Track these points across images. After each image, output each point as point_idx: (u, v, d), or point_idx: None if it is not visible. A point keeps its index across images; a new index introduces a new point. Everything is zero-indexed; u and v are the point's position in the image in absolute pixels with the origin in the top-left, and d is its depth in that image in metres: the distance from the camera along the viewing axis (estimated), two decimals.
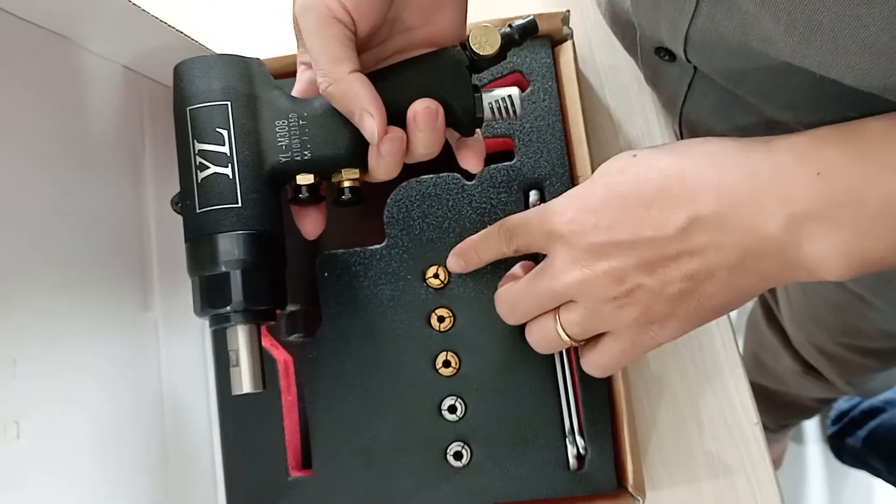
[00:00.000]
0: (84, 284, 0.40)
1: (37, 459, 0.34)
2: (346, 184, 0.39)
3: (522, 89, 0.48)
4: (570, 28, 0.49)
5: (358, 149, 0.38)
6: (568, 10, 0.48)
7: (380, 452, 0.46)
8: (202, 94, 0.38)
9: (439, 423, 0.46)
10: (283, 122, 0.38)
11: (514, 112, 0.39)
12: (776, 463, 1.25)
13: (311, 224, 0.41)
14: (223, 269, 0.37)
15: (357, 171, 0.39)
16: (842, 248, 0.31)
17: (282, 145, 0.38)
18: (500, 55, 0.38)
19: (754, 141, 0.35)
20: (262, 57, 0.50)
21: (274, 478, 0.47)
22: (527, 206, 0.47)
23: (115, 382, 0.41)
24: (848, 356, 0.76)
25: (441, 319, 0.46)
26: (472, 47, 0.37)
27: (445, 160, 0.42)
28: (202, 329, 0.48)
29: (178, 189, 0.39)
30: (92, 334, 0.40)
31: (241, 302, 0.38)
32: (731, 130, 0.49)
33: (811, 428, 1.32)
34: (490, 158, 0.47)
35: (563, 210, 0.37)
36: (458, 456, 0.46)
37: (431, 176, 0.48)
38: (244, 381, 0.38)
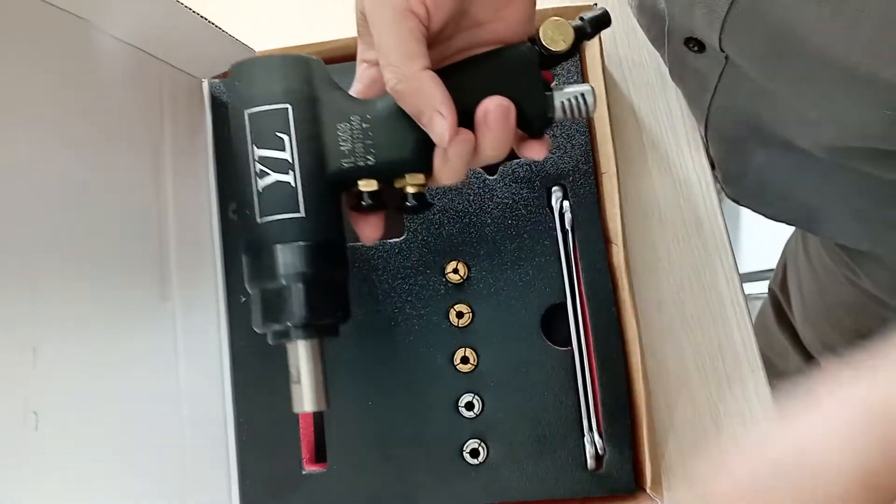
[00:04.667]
0: (103, 275, 0.39)
1: (55, 449, 0.34)
2: (411, 189, 0.37)
3: (548, 83, 0.48)
4: None
5: (423, 152, 0.36)
6: (595, 3, 0.47)
7: (395, 448, 0.46)
8: (261, 96, 0.35)
9: (456, 420, 0.45)
10: (346, 126, 0.36)
11: (588, 111, 0.37)
12: None
13: (370, 229, 0.39)
14: (284, 282, 0.35)
15: (422, 175, 0.37)
16: None
17: (344, 150, 0.36)
18: (572, 50, 0.36)
19: None
20: (282, 45, 0.49)
21: (288, 471, 0.46)
22: (549, 203, 0.46)
23: (132, 373, 0.40)
24: None
25: (460, 315, 0.46)
26: (544, 43, 0.35)
27: None
28: (219, 320, 0.48)
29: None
30: (110, 324, 0.39)
31: (304, 316, 0.35)
32: (756, 130, 0.49)
33: None
34: (513, 153, 0.47)
35: None
36: (474, 453, 0.45)
37: None
38: (305, 400, 0.36)
